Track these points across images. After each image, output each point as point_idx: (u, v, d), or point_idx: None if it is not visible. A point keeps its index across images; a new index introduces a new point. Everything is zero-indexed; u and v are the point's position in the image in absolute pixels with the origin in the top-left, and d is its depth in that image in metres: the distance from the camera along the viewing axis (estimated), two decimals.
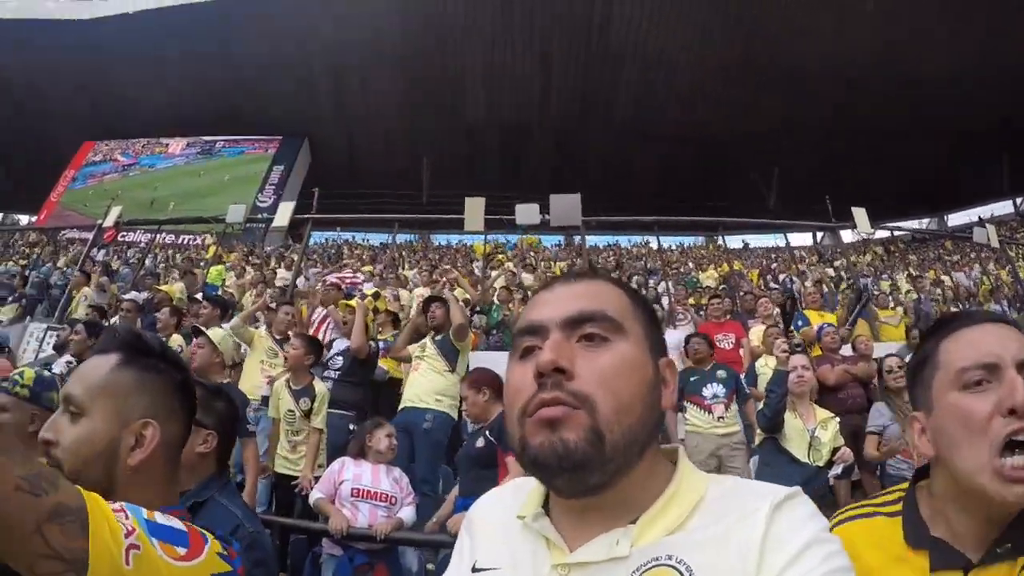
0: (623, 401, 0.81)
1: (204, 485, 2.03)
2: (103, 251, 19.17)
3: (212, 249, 16.79)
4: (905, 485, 1.27)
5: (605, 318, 0.86)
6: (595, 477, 0.80)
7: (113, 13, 31.26)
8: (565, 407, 0.79)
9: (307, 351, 5.45)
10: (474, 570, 0.91)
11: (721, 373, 6.14)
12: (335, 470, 4.41)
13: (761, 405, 4.97)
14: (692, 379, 6.13)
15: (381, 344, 6.69)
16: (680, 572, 0.76)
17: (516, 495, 0.96)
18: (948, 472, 1.13)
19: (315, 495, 4.32)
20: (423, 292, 9.46)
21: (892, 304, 11.35)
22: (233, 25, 30.22)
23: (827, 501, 4.85)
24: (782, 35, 27.75)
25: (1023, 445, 1.02)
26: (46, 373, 2.53)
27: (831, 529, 0.81)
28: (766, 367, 6.48)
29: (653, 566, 0.77)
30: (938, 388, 1.13)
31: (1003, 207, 34.92)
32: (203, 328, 5.31)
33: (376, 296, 7.36)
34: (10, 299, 12.47)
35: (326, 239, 31.57)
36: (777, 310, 9.28)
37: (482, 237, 13.16)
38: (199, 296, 8.73)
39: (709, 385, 6.03)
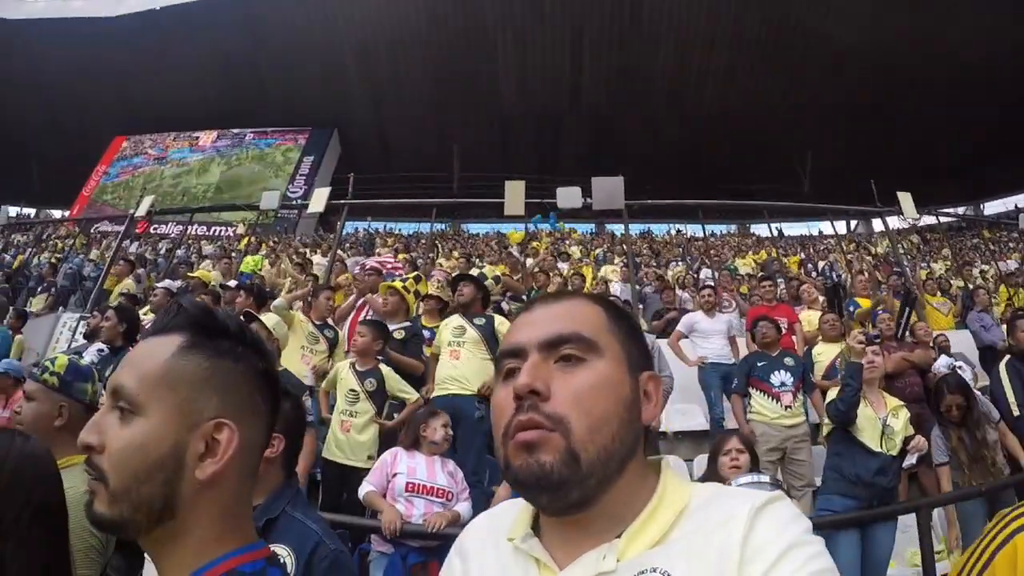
0: (596, 420, 0.83)
1: (275, 497, 1.87)
2: (136, 243, 19.26)
3: (245, 240, 16.68)
4: None
5: (580, 339, 0.88)
6: (575, 494, 0.81)
7: (140, 9, 31.77)
8: (541, 430, 0.81)
9: (375, 336, 5.34)
10: None
11: (789, 360, 5.86)
12: (387, 461, 4.17)
13: (831, 395, 4.65)
14: (760, 364, 5.87)
15: (426, 333, 6.44)
16: None
17: (505, 516, 0.97)
18: None
19: (365, 488, 4.07)
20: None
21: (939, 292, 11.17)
22: (259, 17, 30.63)
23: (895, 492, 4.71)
24: (817, 15, 27.46)
25: None
26: (82, 361, 2.32)
27: (998, 540, 0.90)
28: (822, 355, 6.41)
29: None
30: None
31: None
32: (255, 314, 5.11)
33: (418, 279, 7.14)
34: (39, 289, 12.43)
35: (356, 228, 31.71)
36: (823, 298, 9.06)
37: (518, 225, 13.12)
38: (231, 283, 8.62)
39: (777, 372, 5.74)
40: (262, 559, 0.94)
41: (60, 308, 11.26)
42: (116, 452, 0.87)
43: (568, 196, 9.67)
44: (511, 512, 0.96)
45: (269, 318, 4.91)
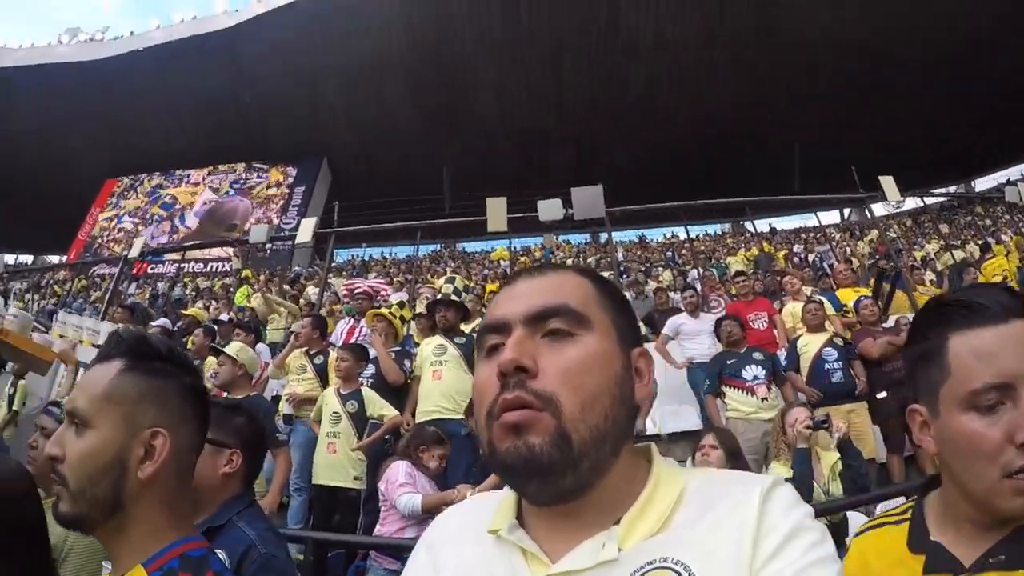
0: (588, 397, 0.78)
1: (224, 507, 1.95)
2: (133, 283, 19.36)
3: (245, 271, 16.79)
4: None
5: (569, 312, 0.83)
6: (567, 480, 0.76)
7: (124, 51, 32.12)
8: (528, 410, 0.76)
9: (357, 360, 5.52)
10: None
11: (758, 355, 5.96)
12: (406, 471, 4.22)
13: (783, 471, 4.19)
14: (729, 362, 5.94)
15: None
16: (678, 573, 0.72)
17: (480, 510, 0.91)
18: (950, 475, 1.09)
19: (413, 500, 4.05)
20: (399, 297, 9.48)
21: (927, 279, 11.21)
22: (241, 53, 30.89)
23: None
24: (795, 3, 27.51)
25: None
26: None
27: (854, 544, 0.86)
28: (807, 346, 6.34)
29: (648, 570, 0.74)
30: (946, 399, 1.04)
31: None
32: (219, 347, 5.28)
33: (402, 305, 7.27)
34: None
35: (352, 255, 31.77)
36: (809, 289, 9.13)
37: (505, 242, 13.10)
38: (224, 317, 8.73)
39: (748, 367, 5.83)
40: (205, 548, 1.17)
41: None
42: (73, 460, 1.10)
43: (549, 209, 9.70)
44: (487, 505, 0.91)
45: (232, 346, 5.03)
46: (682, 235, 26.61)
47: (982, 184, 35.11)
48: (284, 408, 6.00)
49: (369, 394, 5.40)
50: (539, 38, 29.69)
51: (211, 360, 6.52)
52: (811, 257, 16.90)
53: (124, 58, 31.97)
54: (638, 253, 22.39)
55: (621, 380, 0.82)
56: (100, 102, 32.56)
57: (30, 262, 34.17)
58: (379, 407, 5.34)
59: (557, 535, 0.80)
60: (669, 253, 23.13)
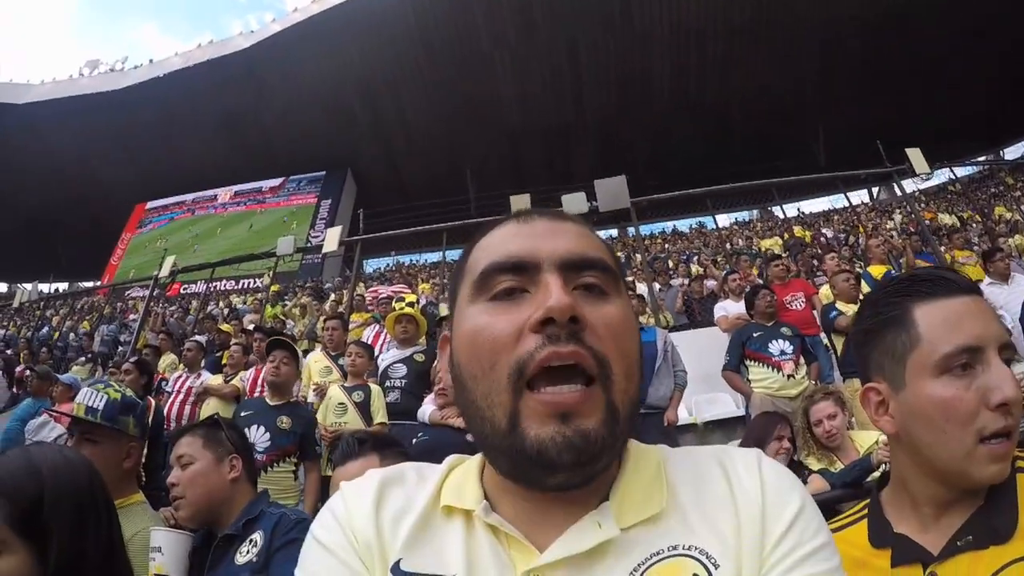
0: (630, 364, 0.68)
1: (251, 504, 2.10)
2: (167, 305, 19.64)
3: (275, 287, 16.94)
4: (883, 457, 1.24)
5: (607, 268, 0.72)
6: (602, 464, 0.67)
7: (145, 79, 32.86)
8: (582, 390, 0.64)
9: (370, 357, 5.52)
10: (399, 572, 0.69)
11: (786, 330, 5.55)
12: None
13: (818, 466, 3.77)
14: (756, 334, 5.53)
15: None
16: (700, 562, 0.65)
17: (418, 485, 0.77)
18: (915, 452, 1.06)
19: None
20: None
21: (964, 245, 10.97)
22: (260, 72, 31.43)
23: None
24: None
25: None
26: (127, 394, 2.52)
27: None
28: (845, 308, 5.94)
29: (660, 560, 0.66)
30: (915, 367, 1.03)
31: None
32: (286, 339, 5.14)
33: (411, 305, 7.19)
34: (82, 359, 12.70)
35: (385, 265, 31.95)
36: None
37: None
38: (250, 327, 8.80)
39: (775, 341, 5.43)
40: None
41: (98, 371, 11.50)
42: None
43: (573, 202, 9.71)
44: (419, 483, 0.78)
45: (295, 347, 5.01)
46: (709, 225, 26.46)
47: (1012, 153, 34.37)
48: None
49: (377, 391, 5.31)
50: (554, 35, 29.74)
51: (244, 372, 6.57)
52: (842, 237, 16.72)
53: (145, 85, 32.71)
54: (666, 246, 22.17)
55: (641, 353, 0.73)
56: (125, 130, 33.42)
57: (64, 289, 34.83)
58: (380, 410, 5.21)
59: (534, 518, 0.70)
60: (698, 242, 22.87)
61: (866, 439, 3.71)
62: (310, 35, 29.87)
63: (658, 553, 0.65)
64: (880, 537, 1.09)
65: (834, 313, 5.95)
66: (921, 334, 1.03)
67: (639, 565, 0.65)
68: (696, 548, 0.66)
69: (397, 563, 0.70)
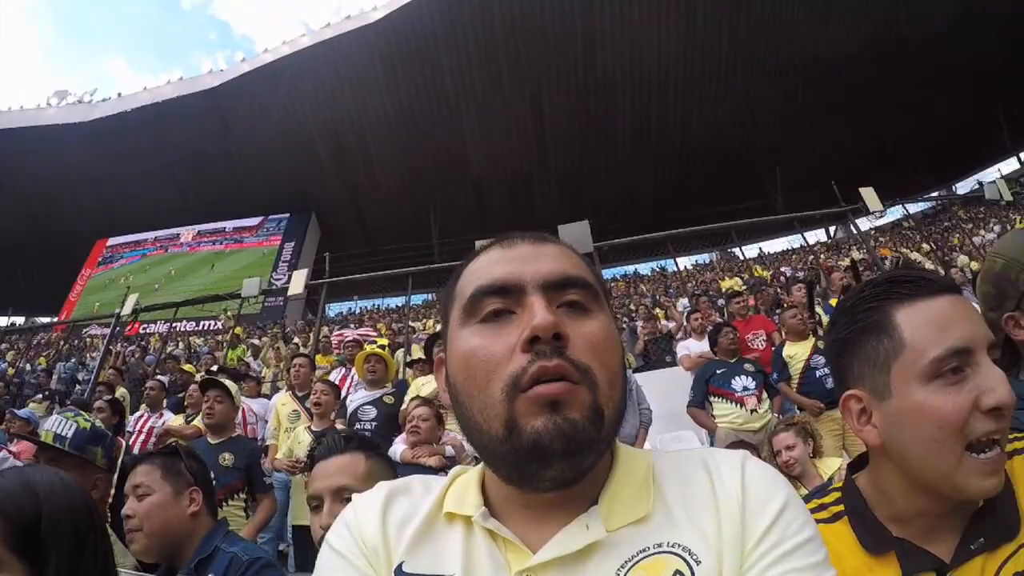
0: (612, 375, 0.73)
1: (206, 539, 2.04)
2: (126, 344, 19.32)
3: (237, 329, 16.74)
4: (839, 484, 1.15)
5: (587, 285, 0.77)
6: (589, 460, 0.71)
7: (112, 112, 32.47)
8: (568, 383, 0.69)
9: (336, 396, 5.40)
10: (401, 574, 0.75)
11: (749, 366, 5.71)
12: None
13: None
14: (719, 371, 5.66)
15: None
16: (683, 558, 0.69)
17: (424, 495, 0.83)
18: (902, 463, 1.00)
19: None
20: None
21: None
22: (229, 110, 31.33)
23: None
24: (767, 34, 28.28)
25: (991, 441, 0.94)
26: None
27: None
28: (793, 357, 5.98)
29: (645, 558, 0.69)
30: (902, 374, 0.98)
31: (1008, 165, 35.25)
32: (217, 379, 5.14)
33: (382, 348, 7.16)
34: (39, 396, 12.45)
35: (348, 309, 31.76)
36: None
37: None
38: (213, 368, 8.75)
39: (738, 377, 5.57)
40: None
41: (55, 408, 11.29)
42: None
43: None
44: (424, 493, 0.83)
45: (230, 384, 5.00)
46: (671, 267, 26.75)
47: (963, 188, 35.82)
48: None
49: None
50: (519, 85, 30.34)
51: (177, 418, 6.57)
52: (799, 275, 17.07)
53: (113, 119, 32.37)
54: (629, 290, 22.42)
55: (624, 365, 0.77)
56: (89, 163, 33.02)
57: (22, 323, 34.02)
58: None
59: (530, 523, 0.75)
60: (658, 286, 23.16)
61: (831, 466, 3.83)
62: (279, 77, 30.04)
63: (644, 550, 0.69)
64: (877, 542, 1.02)
65: (776, 377, 5.94)
66: (905, 339, 0.98)
67: (625, 563, 0.69)
68: (679, 545, 0.69)
69: (400, 565, 0.75)
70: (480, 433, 0.73)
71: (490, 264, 0.79)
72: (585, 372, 0.70)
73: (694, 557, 0.68)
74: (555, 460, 0.68)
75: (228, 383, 4.81)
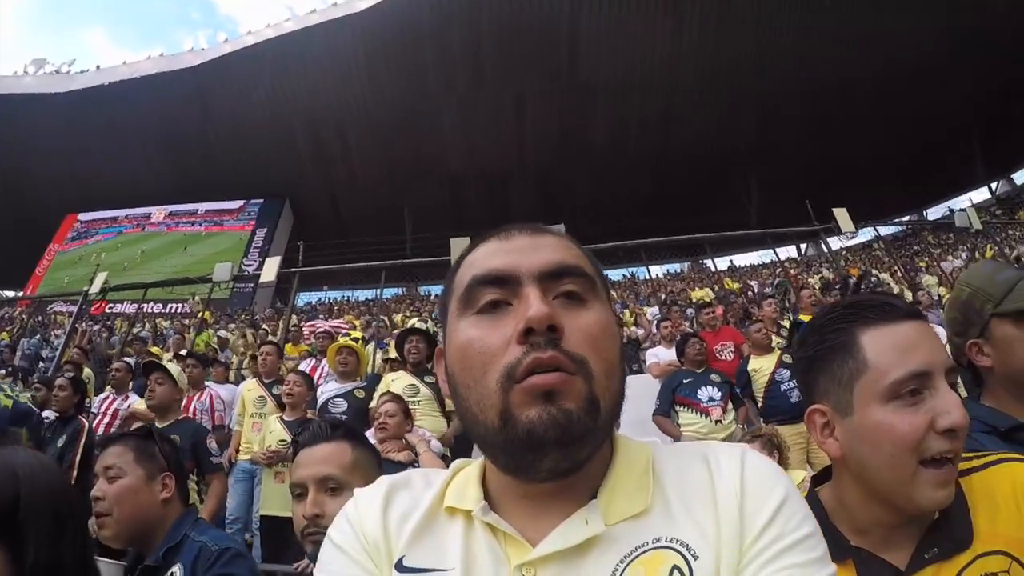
0: (609, 365, 0.73)
1: (175, 527, 2.00)
2: (92, 323, 19.04)
3: (205, 314, 16.55)
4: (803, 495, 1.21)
5: (584, 275, 0.77)
6: (585, 450, 0.71)
7: (90, 85, 31.88)
8: (562, 373, 0.69)
9: (308, 387, 5.34)
10: (402, 568, 0.76)
11: (715, 377, 5.73)
12: None
13: None
14: (685, 381, 5.69)
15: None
16: (681, 554, 0.69)
17: (424, 489, 0.83)
18: (860, 475, 1.06)
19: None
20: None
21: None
22: (208, 91, 30.91)
23: None
24: (747, 53, 28.53)
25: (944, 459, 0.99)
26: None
27: None
28: (758, 371, 6.13)
29: (643, 552, 0.69)
30: (864, 393, 1.03)
31: (979, 194, 36.18)
32: (160, 362, 5.14)
33: (356, 340, 7.13)
34: (1, 372, 12.27)
35: (317, 300, 31.51)
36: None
37: None
38: (183, 353, 8.65)
39: (704, 388, 5.61)
40: None
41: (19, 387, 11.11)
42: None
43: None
44: (419, 483, 0.85)
45: (172, 368, 4.97)
46: (642, 275, 26.89)
47: (934, 213, 36.40)
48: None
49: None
50: (502, 85, 30.30)
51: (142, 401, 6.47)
52: (767, 290, 17.20)
53: (90, 92, 31.83)
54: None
55: (622, 355, 0.78)
56: (64, 136, 32.39)
57: None
58: None
59: (530, 516, 0.74)
60: (629, 293, 23.26)
61: (795, 478, 3.87)
62: (261, 60, 29.81)
63: (642, 546, 0.69)
64: (836, 551, 0.99)
65: (740, 391, 6.01)
66: (868, 360, 1.02)
67: (624, 558, 0.69)
68: (677, 540, 0.69)
69: (401, 560, 0.76)
70: (477, 423, 0.73)
71: (487, 255, 0.79)
72: (580, 363, 0.70)
73: (692, 552, 0.69)
74: (550, 450, 0.69)
75: (171, 366, 4.81)
